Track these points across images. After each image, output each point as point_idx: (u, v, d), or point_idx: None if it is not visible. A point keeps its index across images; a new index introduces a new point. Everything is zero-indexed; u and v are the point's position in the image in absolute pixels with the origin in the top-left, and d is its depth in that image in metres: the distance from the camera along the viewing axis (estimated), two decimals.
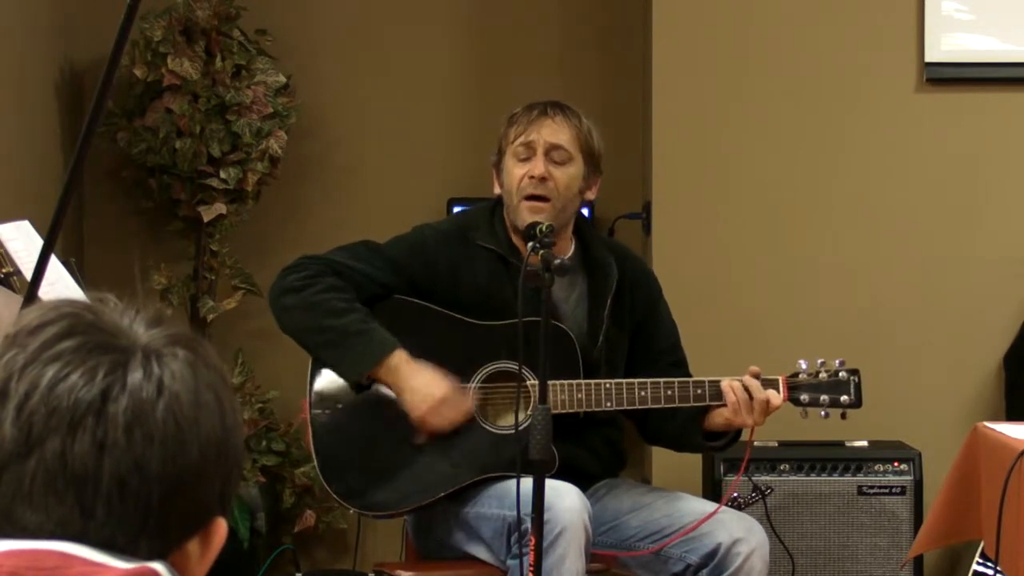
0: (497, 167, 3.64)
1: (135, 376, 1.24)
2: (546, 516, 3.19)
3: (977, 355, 4.85)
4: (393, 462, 3.51)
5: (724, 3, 4.92)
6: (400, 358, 3.46)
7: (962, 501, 3.39)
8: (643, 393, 3.49)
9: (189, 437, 1.24)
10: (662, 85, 4.92)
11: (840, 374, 3.56)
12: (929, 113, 4.88)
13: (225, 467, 1.27)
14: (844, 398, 3.55)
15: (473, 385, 3.52)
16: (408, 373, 3.46)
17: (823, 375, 3.55)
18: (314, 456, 3.54)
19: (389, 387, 3.48)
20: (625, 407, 3.51)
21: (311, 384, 3.56)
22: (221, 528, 1.29)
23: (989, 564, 3.72)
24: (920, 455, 4.50)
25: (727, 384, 3.46)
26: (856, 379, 3.56)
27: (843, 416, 3.58)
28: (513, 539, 3.37)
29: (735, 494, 4.34)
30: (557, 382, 3.43)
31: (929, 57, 4.85)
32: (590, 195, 3.65)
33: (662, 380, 3.50)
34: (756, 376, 3.49)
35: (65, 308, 1.27)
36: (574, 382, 3.48)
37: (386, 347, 3.46)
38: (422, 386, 3.45)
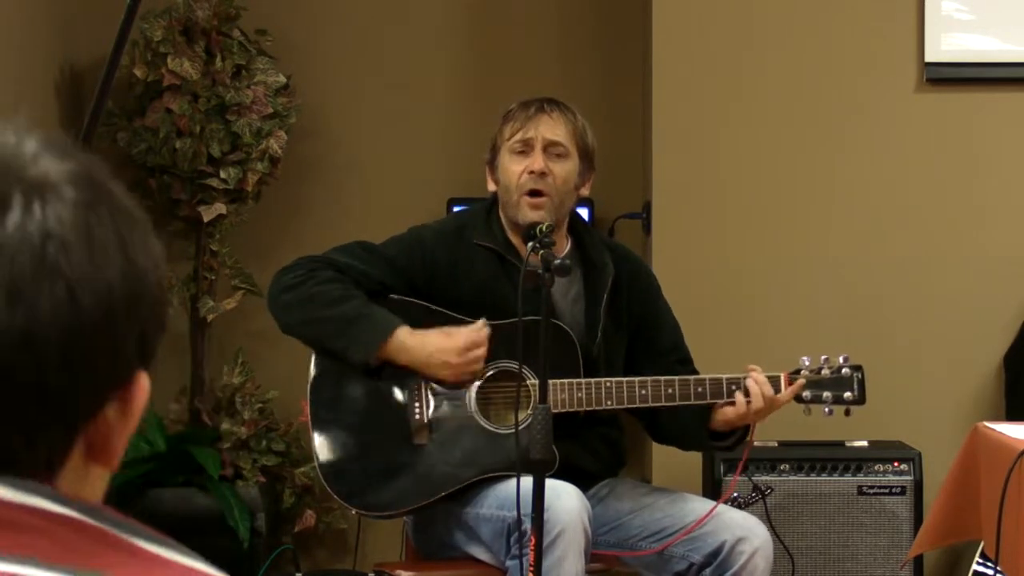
0: (491, 164, 3.65)
1: (12, 218, 1.04)
2: (545, 516, 3.19)
3: (977, 355, 4.84)
4: (394, 462, 3.51)
5: (724, 3, 4.92)
6: (405, 333, 3.46)
7: (962, 501, 3.39)
8: (643, 391, 3.48)
9: (84, 289, 1.06)
10: (662, 85, 4.92)
11: (843, 371, 3.54)
12: (929, 113, 4.88)
13: (139, 314, 1.10)
14: (848, 395, 3.53)
15: (481, 323, 3.50)
16: (417, 345, 3.46)
17: (826, 372, 3.54)
18: (315, 457, 3.54)
19: (404, 366, 3.48)
20: (626, 405, 3.51)
21: (311, 385, 3.56)
22: (142, 383, 1.11)
23: (989, 564, 3.72)
24: (920, 455, 4.50)
25: (752, 382, 3.45)
26: (860, 375, 3.54)
27: (847, 413, 3.56)
28: (513, 539, 3.37)
29: (735, 494, 4.34)
30: (558, 381, 3.43)
31: (929, 57, 4.85)
32: (584, 191, 3.67)
33: (663, 378, 3.49)
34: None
35: None
36: (575, 381, 3.48)
37: (389, 326, 3.46)
38: (438, 350, 3.46)
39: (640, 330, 3.68)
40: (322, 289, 3.49)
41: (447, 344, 3.46)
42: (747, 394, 3.45)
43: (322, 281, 3.50)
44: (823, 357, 3.55)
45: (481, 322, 3.49)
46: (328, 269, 3.53)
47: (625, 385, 3.49)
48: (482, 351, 3.47)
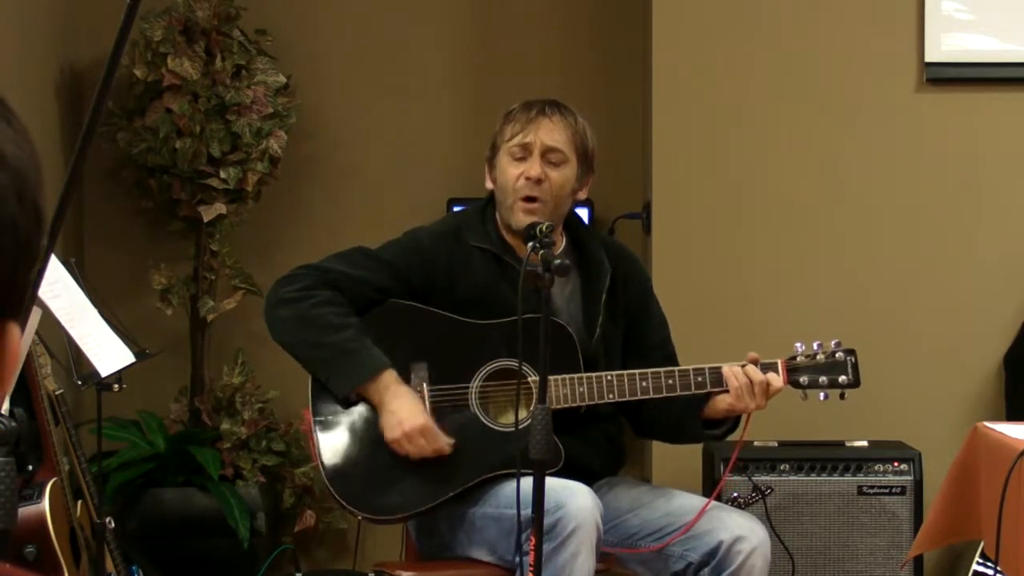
0: (490, 163, 3.64)
1: None
2: (559, 514, 3.20)
3: (977, 355, 4.84)
4: (398, 464, 3.50)
5: (724, 3, 4.92)
6: (390, 378, 3.47)
7: (962, 501, 3.39)
8: (644, 384, 3.49)
9: None
10: (662, 85, 4.92)
11: (837, 355, 3.57)
12: (929, 113, 4.88)
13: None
14: (843, 378, 3.56)
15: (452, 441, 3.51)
16: (393, 394, 3.46)
17: (820, 357, 3.57)
18: (320, 464, 3.53)
19: (373, 404, 3.49)
20: (627, 398, 3.50)
21: (313, 392, 3.55)
22: (11, 334, 0.96)
23: (989, 564, 3.72)
24: (920, 455, 4.50)
25: (727, 370, 3.47)
26: (853, 359, 3.58)
27: (842, 396, 3.58)
28: (523, 537, 3.37)
29: (735, 494, 4.34)
30: (558, 376, 3.43)
31: (929, 57, 4.85)
32: (582, 195, 3.66)
33: (662, 370, 3.50)
34: (755, 361, 3.50)
35: None
36: (575, 376, 3.48)
37: (377, 366, 3.47)
38: (401, 410, 3.45)
39: (631, 325, 3.68)
40: (319, 312, 3.49)
41: (413, 417, 3.45)
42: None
43: (320, 302, 3.49)
44: (816, 342, 3.58)
45: (451, 443, 3.48)
46: (327, 288, 3.52)
47: (626, 378, 3.49)
48: (430, 450, 3.45)
